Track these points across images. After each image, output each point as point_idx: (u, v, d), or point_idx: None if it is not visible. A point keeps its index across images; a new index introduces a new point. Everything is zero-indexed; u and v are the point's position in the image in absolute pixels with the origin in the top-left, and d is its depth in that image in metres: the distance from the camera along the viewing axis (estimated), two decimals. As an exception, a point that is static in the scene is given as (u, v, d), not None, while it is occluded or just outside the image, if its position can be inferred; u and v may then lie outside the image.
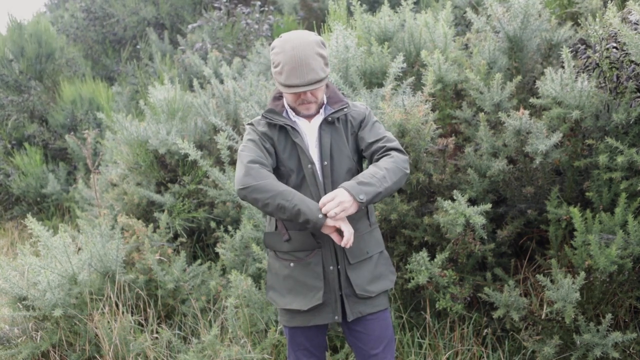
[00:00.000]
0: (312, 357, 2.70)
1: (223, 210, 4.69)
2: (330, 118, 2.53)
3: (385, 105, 3.52)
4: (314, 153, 2.54)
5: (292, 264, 2.55)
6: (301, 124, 2.56)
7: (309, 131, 2.56)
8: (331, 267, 2.52)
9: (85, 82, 8.56)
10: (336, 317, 2.54)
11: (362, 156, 2.66)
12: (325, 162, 2.51)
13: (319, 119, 2.56)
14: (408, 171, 2.48)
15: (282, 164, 2.54)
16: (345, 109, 2.56)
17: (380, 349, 2.61)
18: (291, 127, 2.51)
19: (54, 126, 8.21)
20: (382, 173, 2.38)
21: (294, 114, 2.57)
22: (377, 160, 2.51)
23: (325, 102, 2.58)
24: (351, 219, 2.49)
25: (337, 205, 2.29)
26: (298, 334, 2.66)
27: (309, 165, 2.50)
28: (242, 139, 4.49)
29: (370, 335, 2.60)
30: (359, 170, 2.63)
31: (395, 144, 2.54)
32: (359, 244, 2.55)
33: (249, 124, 2.63)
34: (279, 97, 2.61)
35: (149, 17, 10.40)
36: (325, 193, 2.47)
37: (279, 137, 2.54)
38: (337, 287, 2.53)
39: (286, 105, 2.58)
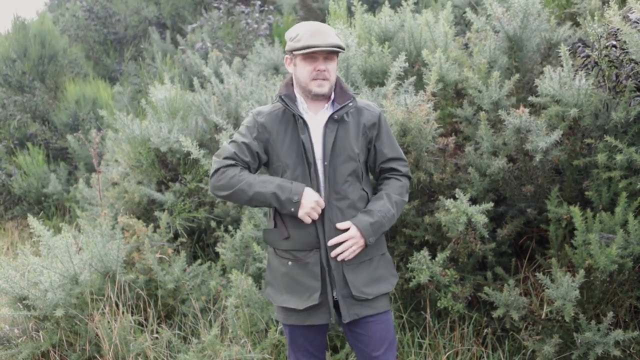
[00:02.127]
0: (312, 358, 2.69)
1: (223, 209, 4.69)
2: (336, 116, 2.50)
3: (387, 104, 3.52)
4: (317, 151, 2.50)
5: (290, 263, 2.53)
6: (308, 118, 2.53)
7: (314, 127, 2.53)
8: (328, 268, 2.50)
9: (89, 82, 8.57)
10: (330, 319, 2.52)
11: (369, 159, 2.67)
12: (326, 162, 2.48)
13: (325, 114, 2.54)
14: (406, 200, 2.67)
15: (278, 159, 2.52)
16: (351, 103, 2.54)
17: (382, 351, 2.58)
18: (303, 120, 2.49)
19: (57, 125, 8.22)
20: (392, 212, 2.55)
21: (305, 106, 2.55)
22: (388, 179, 2.65)
23: (332, 98, 2.56)
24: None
25: (350, 248, 2.46)
26: (298, 335, 2.64)
27: (315, 164, 2.48)
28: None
29: (371, 337, 2.57)
30: (363, 172, 2.60)
31: (407, 169, 2.70)
32: None
33: (253, 112, 2.61)
34: (291, 84, 2.59)
35: (151, 17, 10.42)
36: (323, 194, 2.48)
37: (279, 128, 2.52)
38: (330, 289, 2.50)
39: (297, 96, 2.56)
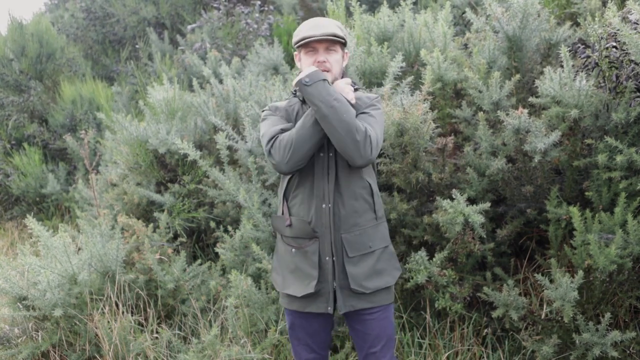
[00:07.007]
0: (313, 353, 2.71)
1: (223, 210, 4.69)
2: None
3: (384, 104, 3.53)
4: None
5: (293, 250, 2.57)
6: None
7: None
8: (327, 258, 2.51)
9: (86, 82, 8.56)
10: (329, 309, 2.53)
11: None
12: (331, 154, 2.52)
13: None
14: (358, 138, 2.36)
15: None
16: (356, 86, 2.64)
17: (379, 347, 2.60)
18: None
19: (53, 126, 8.22)
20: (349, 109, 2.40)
21: None
22: None
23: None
24: (354, 212, 2.52)
25: None
26: (298, 326, 2.67)
27: (321, 154, 2.52)
28: (242, 139, 4.52)
29: (368, 333, 2.59)
30: None
31: (375, 135, 2.45)
32: (361, 237, 2.54)
33: (270, 107, 2.65)
34: None
35: (149, 17, 10.40)
36: (329, 186, 2.49)
37: (297, 119, 2.57)
38: (331, 279, 2.52)
39: None
